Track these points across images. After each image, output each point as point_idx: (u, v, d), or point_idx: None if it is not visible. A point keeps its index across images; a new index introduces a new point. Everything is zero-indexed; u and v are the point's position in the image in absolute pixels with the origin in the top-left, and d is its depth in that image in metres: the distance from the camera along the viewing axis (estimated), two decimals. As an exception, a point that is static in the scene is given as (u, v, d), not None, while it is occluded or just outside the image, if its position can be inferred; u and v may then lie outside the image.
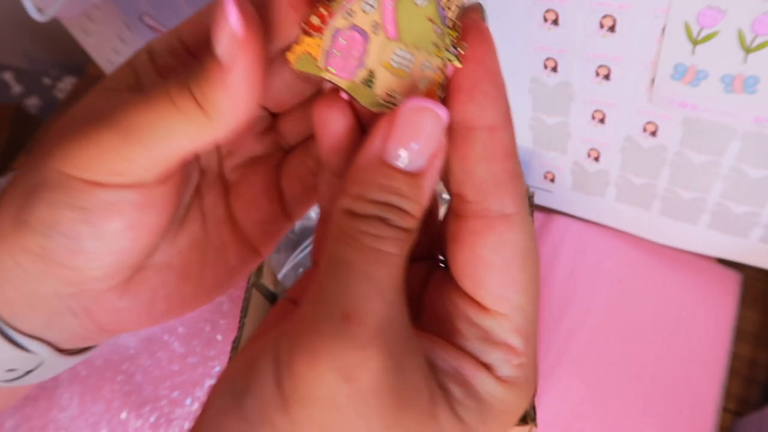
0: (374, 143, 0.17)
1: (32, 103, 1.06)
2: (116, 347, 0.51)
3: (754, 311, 0.50)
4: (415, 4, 0.17)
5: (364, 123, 0.20)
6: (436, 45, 0.17)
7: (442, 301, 0.19)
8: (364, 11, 0.18)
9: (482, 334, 0.18)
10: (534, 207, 0.46)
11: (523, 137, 0.49)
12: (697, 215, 0.48)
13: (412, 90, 0.18)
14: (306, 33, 0.18)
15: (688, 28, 0.35)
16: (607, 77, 0.40)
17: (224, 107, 0.18)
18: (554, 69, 0.42)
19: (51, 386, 0.49)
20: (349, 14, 0.18)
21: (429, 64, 0.18)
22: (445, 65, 0.17)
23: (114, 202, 0.19)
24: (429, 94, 0.17)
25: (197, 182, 0.24)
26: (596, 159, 0.48)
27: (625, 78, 0.40)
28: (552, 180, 0.53)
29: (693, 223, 0.49)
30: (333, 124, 0.19)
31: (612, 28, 0.37)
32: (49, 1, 0.45)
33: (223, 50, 0.17)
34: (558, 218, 0.55)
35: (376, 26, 0.18)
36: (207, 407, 0.18)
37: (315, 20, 0.18)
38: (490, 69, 0.17)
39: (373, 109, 0.18)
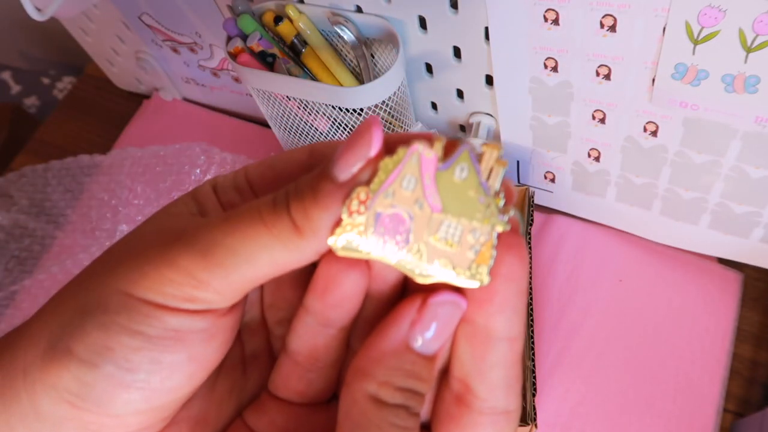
0: (401, 328, 0.18)
1: (31, 102, 1.06)
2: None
3: (755, 311, 0.50)
4: (455, 177, 0.17)
5: (373, 288, 0.20)
6: (482, 214, 0.18)
7: None
8: (404, 189, 0.18)
9: None
10: (534, 207, 0.45)
11: (523, 137, 0.49)
12: (698, 215, 0.48)
13: (463, 258, 0.18)
14: (348, 217, 0.18)
15: (688, 28, 0.35)
16: (607, 77, 0.40)
17: (323, 227, 0.18)
18: (554, 69, 0.42)
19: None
20: (389, 195, 0.18)
21: (478, 233, 0.18)
22: (494, 231, 0.18)
23: (181, 329, 0.18)
24: (481, 261, 0.18)
25: (240, 324, 0.22)
26: (596, 159, 0.48)
27: (625, 78, 0.40)
28: (552, 180, 0.53)
29: (693, 223, 0.49)
30: (349, 285, 0.19)
31: (612, 28, 0.37)
32: (48, 0, 0.45)
33: (346, 169, 0.18)
34: (558, 218, 0.55)
35: (419, 202, 0.18)
36: None
37: (355, 204, 0.18)
38: (522, 288, 0.18)
39: (425, 282, 0.18)
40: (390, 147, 0.18)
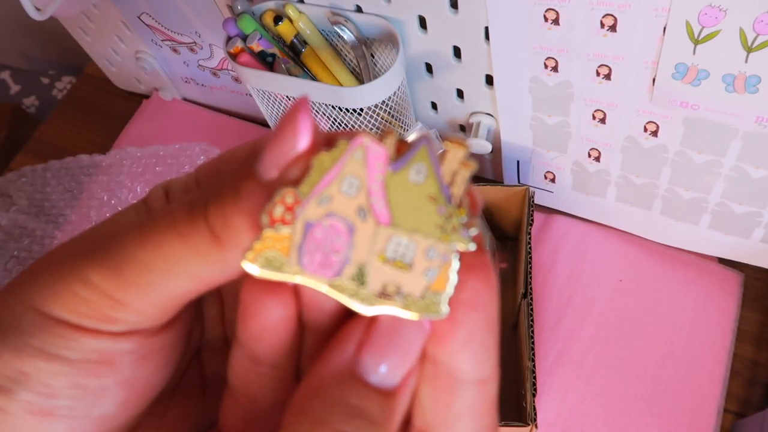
0: (345, 352, 0.15)
1: (30, 102, 1.06)
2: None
3: (756, 312, 0.50)
4: (410, 181, 0.14)
5: (309, 317, 0.16)
6: (441, 228, 0.14)
7: None
8: (344, 194, 0.14)
9: None
10: (534, 207, 0.45)
11: (524, 137, 0.49)
12: (698, 215, 0.48)
13: (415, 284, 0.14)
14: (269, 226, 0.14)
15: (689, 28, 0.35)
16: (607, 77, 0.40)
17: (248, 236, 0.14)
18: (554, 69, 0.42)
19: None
20: (324, 200, 0.14)
21: (436, 252, 0.14)
22: (455, 250, 0.14)
23: (105, 352, 0.15)
24: (437, 287, 0.14)
25: (198, 343, 0.20)
26: (597, 159, 0.48)
27: (625, 78, 0.40)
28: (552, 180, 0.53)
29: (694, 223, 0.49)
30: (267, 315, 0.15)
31: (613, 28, 0.37)
32: (48, 0, 0.45)
33: (272, 166, 0.14)
34: (558, 218, 0.55)
35: (362, 211, 0.14)
36: None
37: (279, 211, 0.14)
38: (490, 317, 0.15)
39: (368, 313, 0.15)
40: (332, 142, 0.14)
